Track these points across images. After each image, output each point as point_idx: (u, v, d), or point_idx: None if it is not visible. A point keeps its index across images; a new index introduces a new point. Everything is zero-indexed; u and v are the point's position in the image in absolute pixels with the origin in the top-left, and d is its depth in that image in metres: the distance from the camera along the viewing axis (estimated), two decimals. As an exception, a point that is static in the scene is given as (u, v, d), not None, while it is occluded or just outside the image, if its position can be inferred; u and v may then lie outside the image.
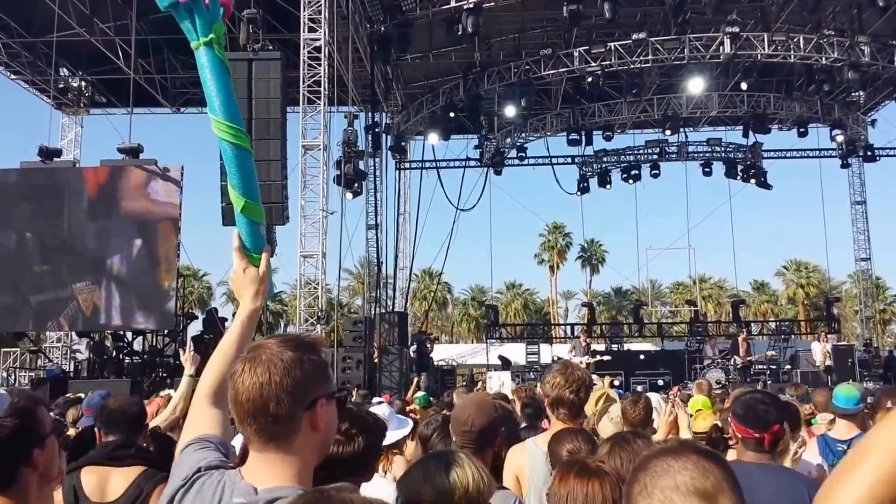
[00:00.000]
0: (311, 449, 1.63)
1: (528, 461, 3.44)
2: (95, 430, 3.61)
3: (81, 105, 24.56)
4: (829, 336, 23.99)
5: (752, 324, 30.45)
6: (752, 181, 27.79)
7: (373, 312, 22.45)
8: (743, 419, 3.14)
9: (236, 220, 2.04)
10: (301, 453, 1.60)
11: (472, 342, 44.20)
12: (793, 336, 26.04)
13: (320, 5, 16.85)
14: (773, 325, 30.53)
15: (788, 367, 20.77)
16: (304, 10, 16.92)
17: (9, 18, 20.44)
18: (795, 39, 20.96)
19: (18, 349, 22.80)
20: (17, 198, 17.34)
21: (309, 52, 16.96)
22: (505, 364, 21.71)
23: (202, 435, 1.81)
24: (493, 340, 27.05)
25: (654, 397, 6.36)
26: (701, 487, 1.37)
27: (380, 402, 7.91)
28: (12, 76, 23.38)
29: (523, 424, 5.40)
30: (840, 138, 26.21)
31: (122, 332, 18.25)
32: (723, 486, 1.39)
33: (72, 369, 20.18)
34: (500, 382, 19.04)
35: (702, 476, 1.38)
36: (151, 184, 17.31)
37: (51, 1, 17.97)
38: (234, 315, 2.10)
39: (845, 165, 28.17)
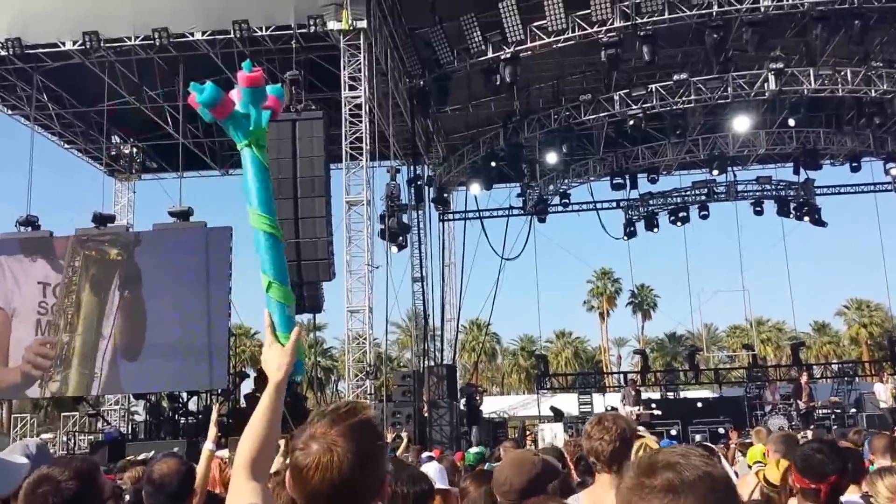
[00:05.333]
0: None
1: None
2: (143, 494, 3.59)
3: (133, 171, 25.30)
4: (892, 377, 23.02)
5: (814, 366, 29.38)
6: (806, 219, 27.05)
7: (421, 366, 22.25)
8: (801, 470, 3.15)
9: (266, 302, 2.17)
10: None
11: (523, 393, 43.43)
12: (857, 378, 25.06)
13: (360, 64, 17.15)
14: (835, 367, 29.43)
15: (853, 410, 19.93)
16: (345, 69, 17.24)
17: (61, 90, 21.23)
18: (843, 73, 20.51)
19: (78, 413, 23.10)
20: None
21: (350, 110, 17.21)
22: (557, 415, 21.24)
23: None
24: (545, 391, 26.56)
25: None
26: None
27: (429, 458, 7.66)
28: (66, 145, 24.13)
29: (577, 480, 5.19)
30: (895, 171, 25.46)
31: (176, 393, 18.39)
32: None
33: (129, 431, 20.34)
34: (552, 435, 18.58)
35: None
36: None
37: (101, 71, 18.66)
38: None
39: (902, 199, 27.34)
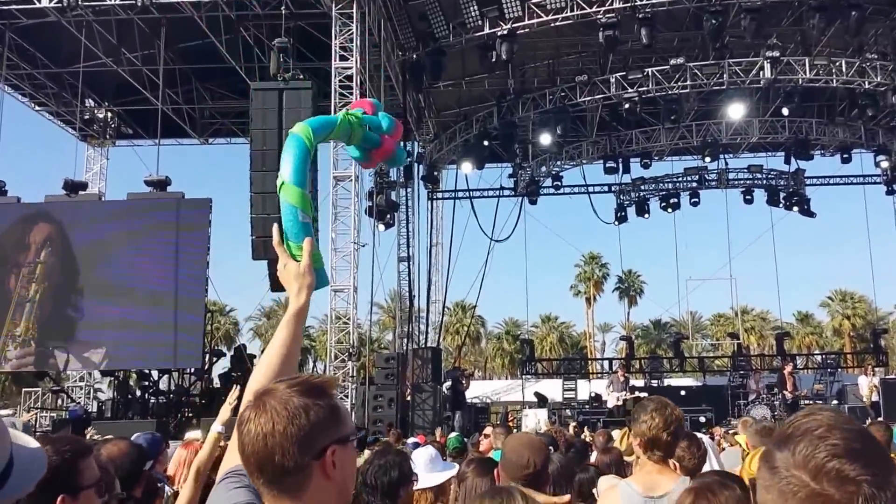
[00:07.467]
0: (327, 496, 1.53)
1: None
2: None
3: (107, 136, 24.13)
4: (876, 369, 23.05)
5: (797, 357, 29.35)
6: (795, 209, 26.96)
7: (405, 348, 21.79)
8: None
9: (280, 206, 2.04)
10: (318, 502, 1.52)
11: (507, 378, 43.22)
12: (839, 369, 25.06)
13: (352, 34, 16.48)
14: (818, 358, 29.45)
15: (836, 402, 19.89)
16: (336, 39, 16.56)
17: (35, 49, 20.16)
18: (837, 63, 20.35)
19: (40, 389, 22.31)
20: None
21: (340, 81, 16.56)
22: (541, 401, 20.98)
23: (238, 467, 1.64)
24: (529, 376, 26.27)
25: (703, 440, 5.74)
26: None
27: (416, 444, 7.20)
28: (37, 107, 23.00)
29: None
30: (885, 164, 25.42)
31: (146, 371, 17.75)
32: None
33: (95, 409, 19.66)
34: (536, 421, 18.30)
35: None
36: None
37: (77, 31, 17.77)
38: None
39: (890, 192, 27.20)
